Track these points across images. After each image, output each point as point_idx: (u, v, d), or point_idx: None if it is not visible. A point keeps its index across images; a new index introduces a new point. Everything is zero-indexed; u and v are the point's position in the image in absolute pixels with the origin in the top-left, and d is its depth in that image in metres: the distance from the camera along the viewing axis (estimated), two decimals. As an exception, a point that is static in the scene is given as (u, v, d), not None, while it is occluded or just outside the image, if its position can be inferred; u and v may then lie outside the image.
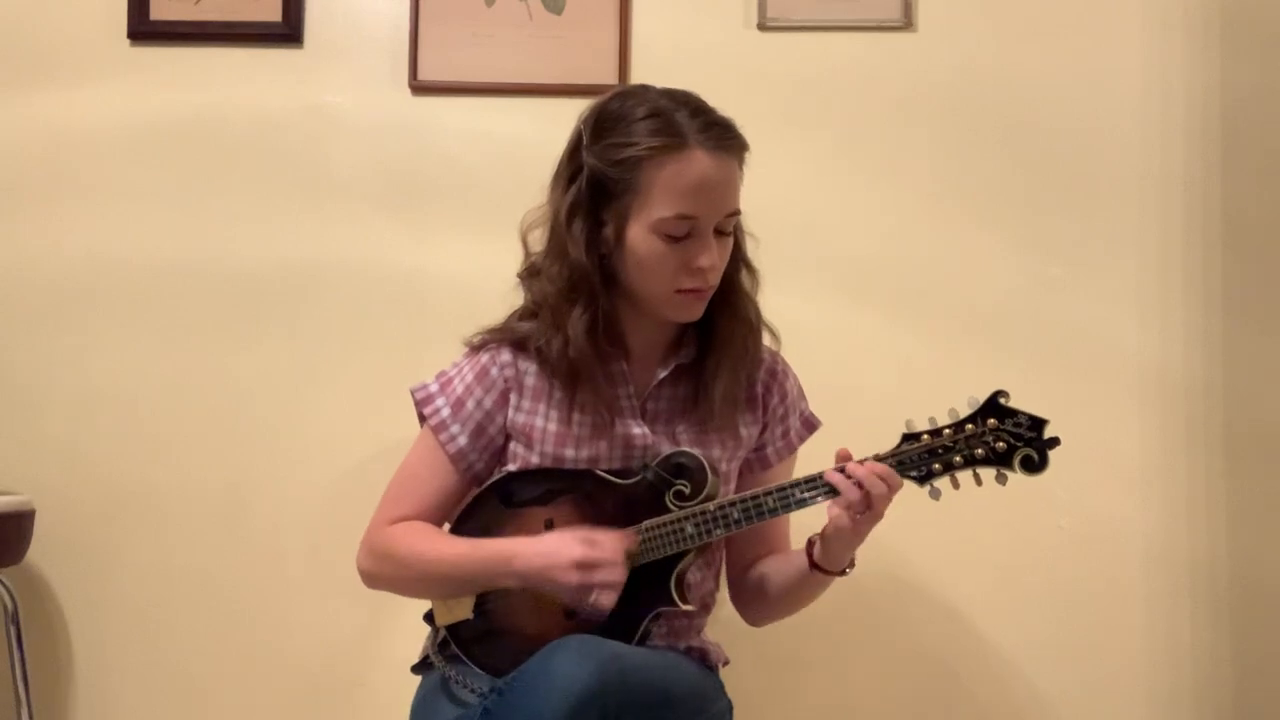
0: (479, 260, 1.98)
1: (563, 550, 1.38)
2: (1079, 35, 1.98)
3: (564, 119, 1.99)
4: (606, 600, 1.38)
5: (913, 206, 1.98)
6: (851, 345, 1.95)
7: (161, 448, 2.01)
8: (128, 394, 2.01)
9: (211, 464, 2.00)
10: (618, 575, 1.38)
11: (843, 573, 1.47)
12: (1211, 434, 1.93)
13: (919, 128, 1.99)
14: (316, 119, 2.03)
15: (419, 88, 2.02)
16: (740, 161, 1.46)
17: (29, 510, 1.89)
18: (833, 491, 1.38)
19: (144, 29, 2.03)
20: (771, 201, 1.92)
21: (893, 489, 1.37)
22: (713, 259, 1.44)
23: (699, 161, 1.41)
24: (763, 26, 2.00)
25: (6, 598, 1.87)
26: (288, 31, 2.02)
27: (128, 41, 2.04)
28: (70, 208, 2.04)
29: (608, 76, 1.98)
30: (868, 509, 1.37)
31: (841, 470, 1.38)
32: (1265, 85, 1.95)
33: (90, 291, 2.03)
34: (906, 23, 1.98)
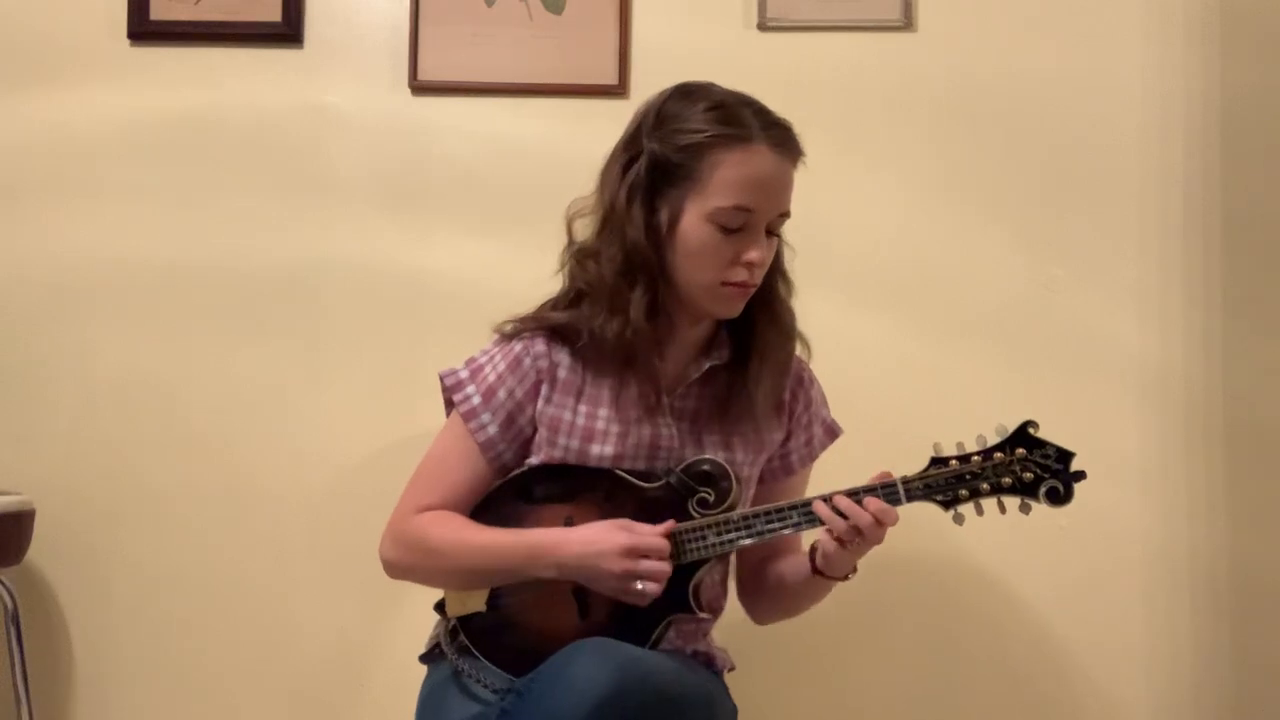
0: (479, 260, 1.98)
1: (606, 539, 1.37)
2: (1079, 36, 1.98)
3: (564, 119, 1.99)
4: (651, 590, 1.36)
5: (912, 207, 1.98)
6: (851, 345, 1.95)
7: (162, 447, 2.01)
8: (128, 393, 2.01)
9: (212, 464, 2.00)
10: (663, 567, 1.37)
11: (845, 578, 1.47)
12: (1211, 433, 1.93)
13: (919, 128, 1.99)
14: (316, 119, 2.03)
15: (419, 88, 2.02)
16: (795, 165, 1.47)
17: (29, 510, 1.89)
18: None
19: (144, 29, 2.03)
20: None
21: (886, 525, 1.38)
22: (762, 254, 1.45)
23: (762, 155, 1.42)
24: (763, 26, 2.00)
25: (6, 598, 1.87)
26: (288, 31, 2.02)
27: (128, 41, 2.04)
28: (70, 208, 2.04)
29: (608, 76, 1.98)
30: (858, 542, 1.39)
31: (832, 504, 1.39)
32: (1265, 85, 1.95)
33: (90, 291, 2.03)
34: (906, 23, 1.98)
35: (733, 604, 1.63)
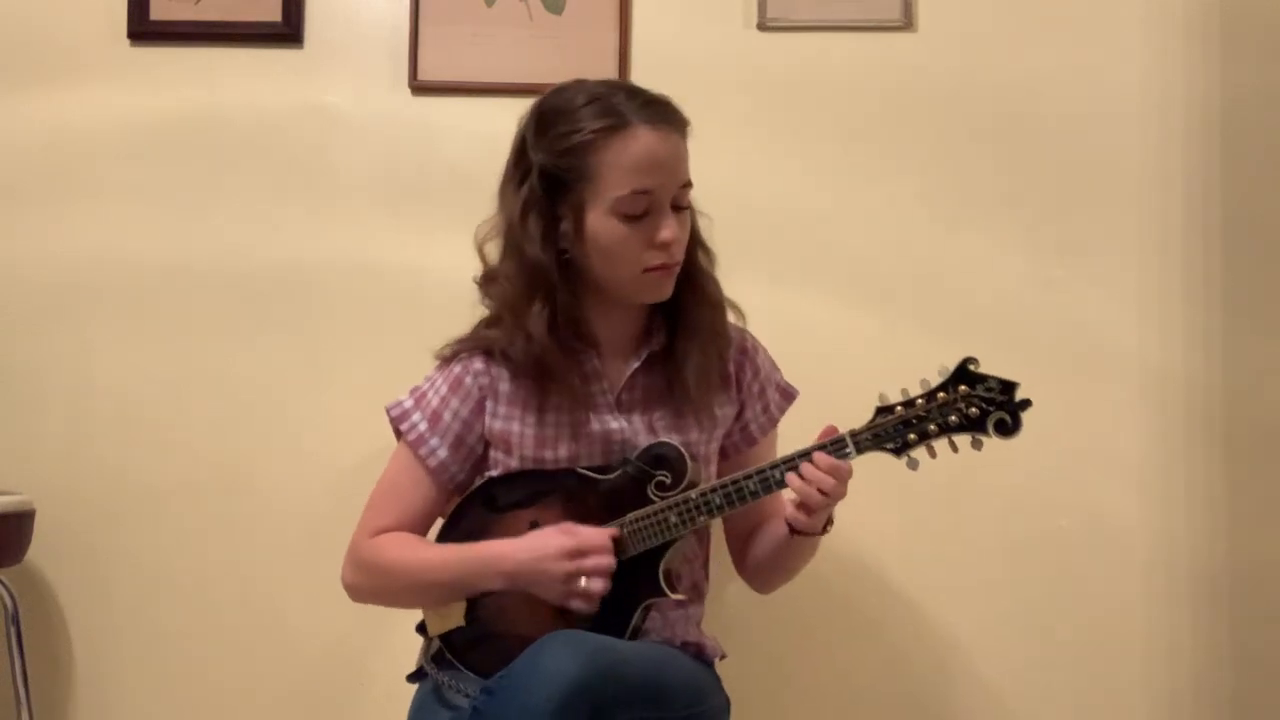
0: (479, 260, 1.98)
1: (548, 543, 1.40)
2: (1079, 35, 1.98)
3: (564, 119, 1.97)
4: (597, 586, 1.39)
5: (912, 206, 1.98)
6: (850, 345, 1.95)
7: (161, 447, 2.01)
8: (128, 394, 2.01)
9: (212, 464, 2.00)
10: (606, 560, 1.40)
11: (824, 530, 1.48)
12: (1211, 433, 1.93)
13: (919, 128, 1.99)
14: (316, 119, 2.03)
15: (419, 88, 2.02)
16: (683, 135, 1.48)
17: (29, 510, 1.89)
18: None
19: (144, 29, 2.03)
20: (771, 201, 1.92)
21: (842, 480, 1.40)
22: (674, 232, 1.46)
23: (644, 136, 1.44)
24: (763, 26, 2.00)
25: (6, 598, 1.87)
26: (288, 31, 2.02)
27: (128, 41, 2.04)
28: (70, 208, 2.04)
29: (608, 76, 1.97)
30: (823, 502, 1.40)
31: (796, 469, 1.40)
32: (1265, 85, 1.95)
33: (90, 291, 2.03)
34: (906, 23, 1.98)
35: (720, 593, 1.64)
